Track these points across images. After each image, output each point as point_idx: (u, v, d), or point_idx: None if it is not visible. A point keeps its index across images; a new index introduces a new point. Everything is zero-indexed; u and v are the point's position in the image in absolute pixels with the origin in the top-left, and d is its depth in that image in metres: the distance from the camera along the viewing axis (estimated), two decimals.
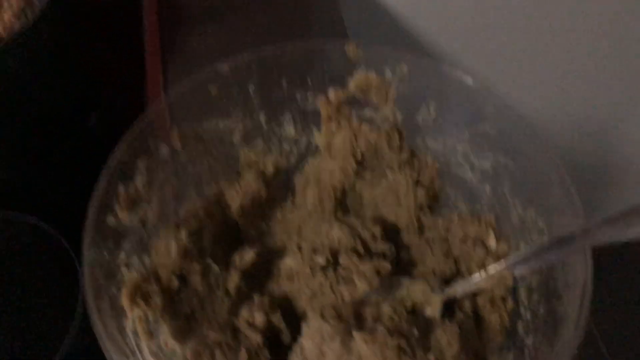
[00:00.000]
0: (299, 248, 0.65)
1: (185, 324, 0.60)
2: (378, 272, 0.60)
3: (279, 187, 0.73)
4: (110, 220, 0.56)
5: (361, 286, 0.59)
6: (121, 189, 0.57)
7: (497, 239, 0.61)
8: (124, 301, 0.55)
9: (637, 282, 1.45)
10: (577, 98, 0.91)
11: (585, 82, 0.98)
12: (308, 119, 0.71)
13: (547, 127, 0.90)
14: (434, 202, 0.69)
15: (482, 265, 0.59)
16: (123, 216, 0.58)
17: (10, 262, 0.72)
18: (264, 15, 1.03)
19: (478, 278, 0.56)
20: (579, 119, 1.04)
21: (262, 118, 0.69)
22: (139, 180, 0.60)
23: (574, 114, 0.86)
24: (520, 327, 0.57)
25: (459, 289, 0.57)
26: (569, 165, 0.56)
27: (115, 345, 0.49)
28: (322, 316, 0.53)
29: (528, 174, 0.61)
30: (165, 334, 0.58)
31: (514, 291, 0.59)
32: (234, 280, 0.62)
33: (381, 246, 0.63)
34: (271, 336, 0.60)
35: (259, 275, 0.67)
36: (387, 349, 0.49)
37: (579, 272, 0.51)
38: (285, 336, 0.59)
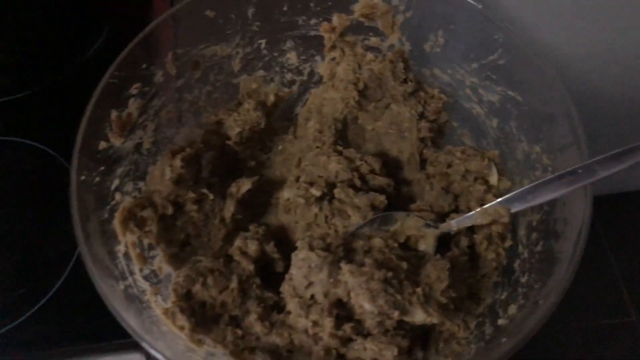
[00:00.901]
0: (297, 180, 0.64)
1: (180, 250, 0.60)
2: (373, 206, 0.59)
3: (281, 118, 0.72)
4: (103, 145, 0.56)
5: (354, 219, 0.58)
6: (113, 113, 0.56)
7: (500, 175, 0.59)
8: (117, 226, 0.55)
9: None
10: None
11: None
12: (311, 46, 0.68)
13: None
14: (438, 137, 0.67)
15: (482, 202, 0.57)
16: (116, 141, 0.57)
17: (19, 183, 0.73)
18: None
19: (474, 213, 0.54)
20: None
21: (263, 45, 0.66)
22: (133, 106, 0.58)
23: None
24: (516, 266, 0.56)
25: (454, 223, 0.55)
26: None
27: (102, 268, 0.49)
28: (310, 247, 0.53)
29: (536, 108, 0.58)
30: (159, 260, 0.58)
31: (513, 229, 0.58)
32: (229, 209, 0.62)
33: (379, 181, 0.62)
34: (265, 265, 0.60)
35: (257, 206, 0.66)
36: (373, 281, 0.49)
37: (578, 210, 0.49)
38: (279, 265, 0.59)
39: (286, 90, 0.71)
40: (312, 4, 0.64)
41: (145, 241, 0.58)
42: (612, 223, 1.38)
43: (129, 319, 0.46)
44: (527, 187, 0.51)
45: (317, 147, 0.66)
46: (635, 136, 0.50)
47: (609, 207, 1.39)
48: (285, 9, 0.64)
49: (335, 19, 0.65)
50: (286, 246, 0.62)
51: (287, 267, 0.58)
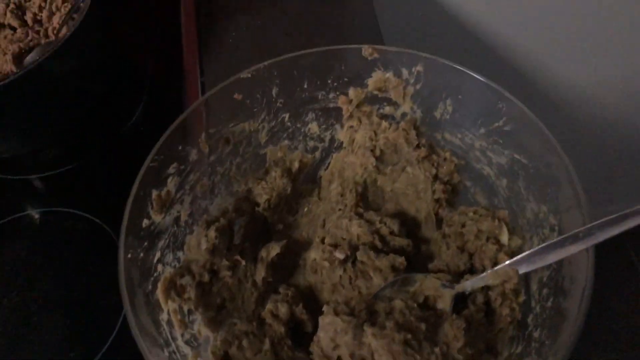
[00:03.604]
0: (322, 240, 0.69)
1: (217, 314, 0.65)
2: (394, 267, 0.63)
3: (306, 180, 0.77)
4: (145, 222, 0.62)
5: (376, 280, 0.62)
6: (154, 193, 0.63)
7: (510, 234, 0.63)
8: (160, 296, 0.61)
9: None
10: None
11: None
12: (330, 117, 0.74)
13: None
14: (452, 196, 0.71)
15: (495, 261, 0.61)
16: (157, 217, 0.63)
17: (68, 251, 0.80)
18: (296, 5, 1.06)
19: (485, 275, 0.58)
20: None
21: (287, 118, 0.73)
22: (171, 184, 0.65)
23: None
24: (530, 320, 0.59)
25: (468, 284, 0.59)
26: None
27: (149, 339, 0.55)
28: (335, 312, 0.57)
29: (540, 172, 0.62)
30: (199, 324, 0.63)
31: (527, 284, 0.61)
32: (260, 273, 0.67)
33: (399, 241, 0.66)
34: (294, 325, 0.65)
35: (286, 267, 0.71)
36: (394, 343, 0.53)
37: (582, 271, 0.52)
38: (307, 326, 0.64)
39: (309, 156, 0.76)
40: (329, 81, 0.70)
41: (185, 307, 0.63)
42: None
43: None
44: (532, 250, 0.55)
45: (340, 209, 0.72)
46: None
47: None
48: (305, 86, 0.70)
49: (352, 93, 0.71)
50: (315, 304, 0.67)
51: (316, 326, 0.62)
